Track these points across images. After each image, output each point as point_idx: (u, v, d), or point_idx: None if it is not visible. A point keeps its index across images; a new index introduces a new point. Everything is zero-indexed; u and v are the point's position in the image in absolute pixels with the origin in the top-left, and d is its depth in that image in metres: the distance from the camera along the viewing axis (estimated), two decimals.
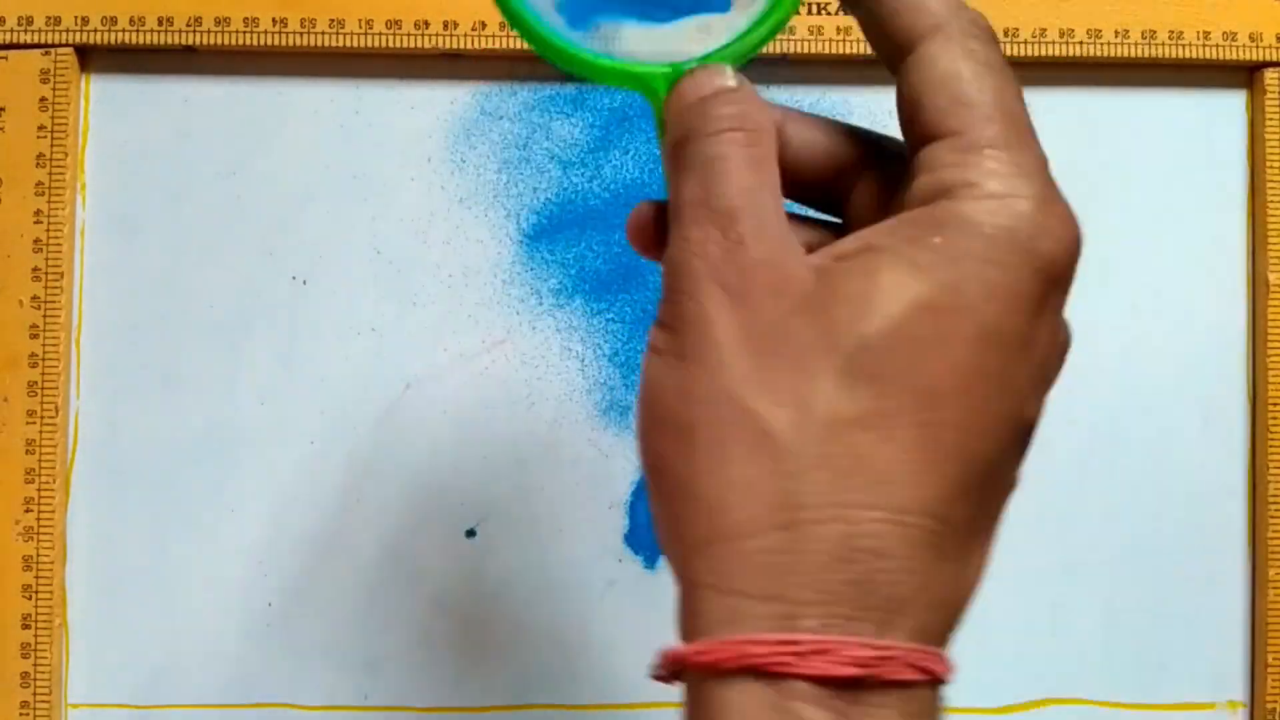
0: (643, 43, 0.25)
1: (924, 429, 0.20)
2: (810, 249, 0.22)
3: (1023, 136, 0.22)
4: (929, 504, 0.20)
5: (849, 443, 0.20)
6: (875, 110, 0.42)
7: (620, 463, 0.41)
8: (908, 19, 0.22)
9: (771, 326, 0.21)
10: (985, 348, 0.21)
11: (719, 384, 0.21)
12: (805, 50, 0.41)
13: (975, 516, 0.22)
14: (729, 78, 0.23)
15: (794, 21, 0.41)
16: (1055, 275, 0.21)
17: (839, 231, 0.24)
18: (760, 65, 0.41)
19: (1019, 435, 0.22)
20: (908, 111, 0.22)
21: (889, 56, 0.23)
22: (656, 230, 0.24)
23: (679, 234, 0.22)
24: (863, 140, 0.25)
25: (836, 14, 0.41)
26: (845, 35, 0.41)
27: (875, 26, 0.23)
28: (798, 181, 0.24)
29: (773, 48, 0.41)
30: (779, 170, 0.22)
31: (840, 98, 0.42)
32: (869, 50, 0.40)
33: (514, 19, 0.24)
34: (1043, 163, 0.22)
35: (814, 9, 0.41)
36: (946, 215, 0.21)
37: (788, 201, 0.23)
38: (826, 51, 0.41)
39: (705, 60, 0.24)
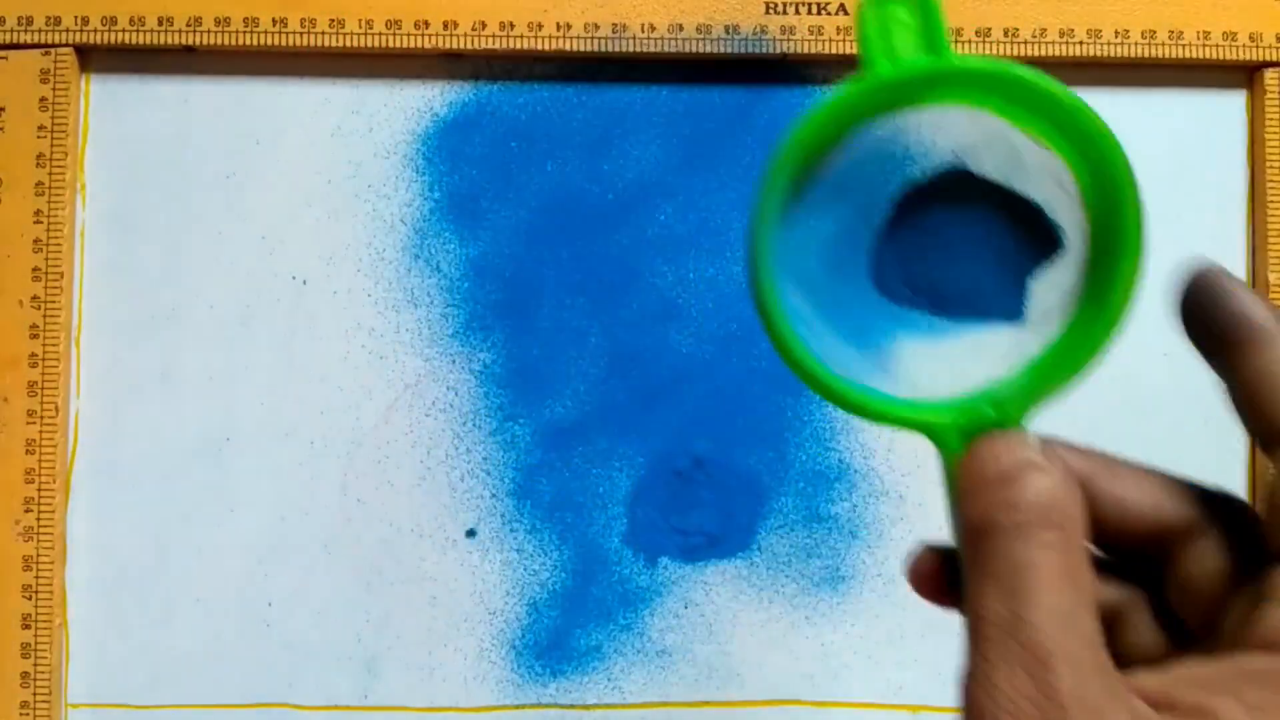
0: (924, 363, 0.22)
1: None
2: (1109, 614, 0.19)
3: None
4: None
5: None
6: None
7: (621, 462, 0.41)
8: (1240, 327, 0.21)
9: None
10: None
11: None
12: (805, 50, 0.41)
13: None
14: (1034, 449, 0.20)
15: (794, 21, 0.41)
16: None
17: (1150, 594, 0.21)
18: (760, 66, 0.42)
19: None
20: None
21: (1262, 436, 0.21)
22: (943, 580, 0.22)
23: (983, 666, 0.19)
24: (1194, 498, 0.21)
25: (836, 14, 0.41)
26: (845, 35, 0.41)
27: (1239, 403, 0.21)
28: (1106, 543, 0.21)
29: (772, 49, 0.41)
30: (1090, 544, 0.20)
31: None
32: None
33: (791, 360, 0.22)
34: None
35: (814, 9, 0.41)
36: None
37: None
38: (826, 51, 0.41)
39: (997, 396, 0.21)
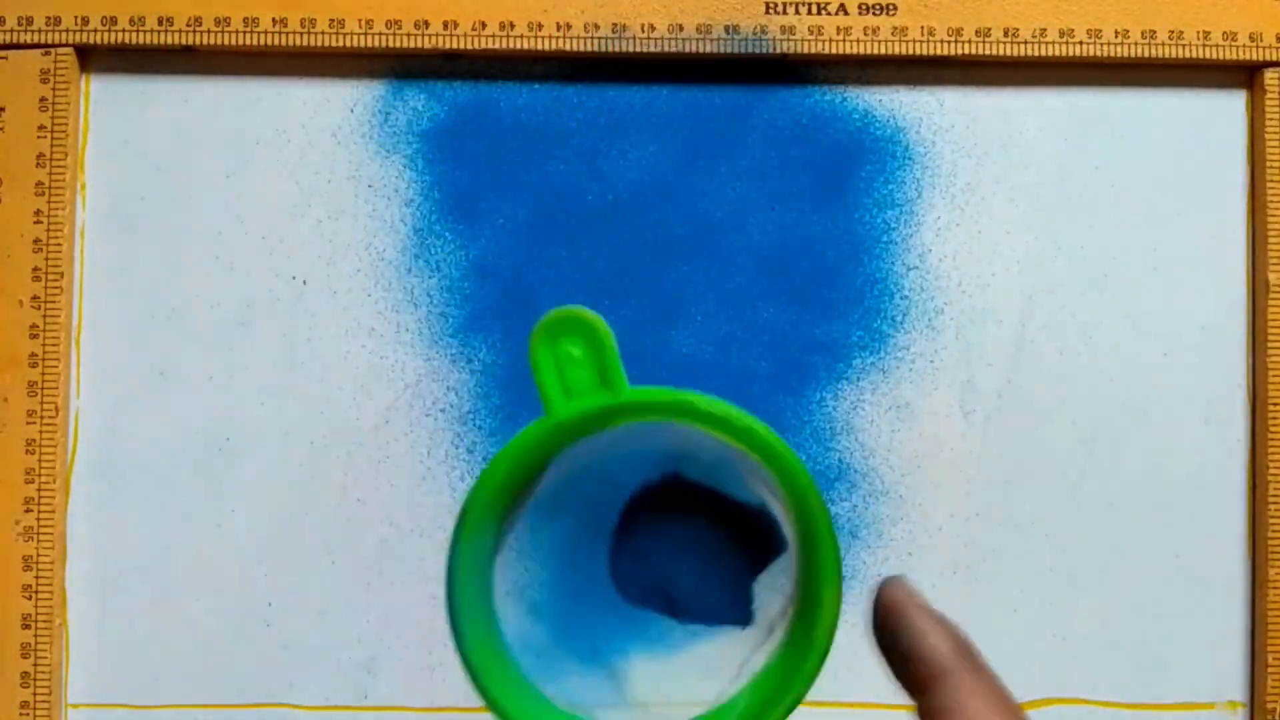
0: (652, 682, 0.23)
1: None
2: None
3: None
4: None
5: None
6: (873, 107, 0.42)
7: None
8: (917, 668, 0.23)
9: None
10: None
11: None
12: (805, 50, 0.41)
13: None
14: None
15: (794, 21, 0.41)
16: None
17: None
18: (760, 66, 0.42)
19: None
20: None
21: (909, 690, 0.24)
22: None
23: None
24: None
25: (836, 14, 0.41)
26: (845, 35, 0.41)
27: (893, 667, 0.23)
28: None
29: (772, 49, 0.41)
30: None
31: (840, 97, 0.42)
32: (867, 50, 0.40)
33: (489, 699, 0.22)
34: None
35: (814, 9, 0.41)
36: None
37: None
38: (826, 51, 0.41)
39: (731, 713, 0.21)
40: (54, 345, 0.40)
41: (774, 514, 0.22)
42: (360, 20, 0.40)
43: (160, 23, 0.40)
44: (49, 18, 0.40)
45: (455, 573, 0.22)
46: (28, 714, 0.39)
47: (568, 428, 0.22)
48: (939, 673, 0.22)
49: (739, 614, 0.23)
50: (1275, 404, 0.41)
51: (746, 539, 0.23)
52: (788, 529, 0.22)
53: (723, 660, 0.22)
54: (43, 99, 0.40)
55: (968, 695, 0.22)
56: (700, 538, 0.23)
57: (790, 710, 0.21)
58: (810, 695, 0.42)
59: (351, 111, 0.42)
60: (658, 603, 0.23)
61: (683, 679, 0.22)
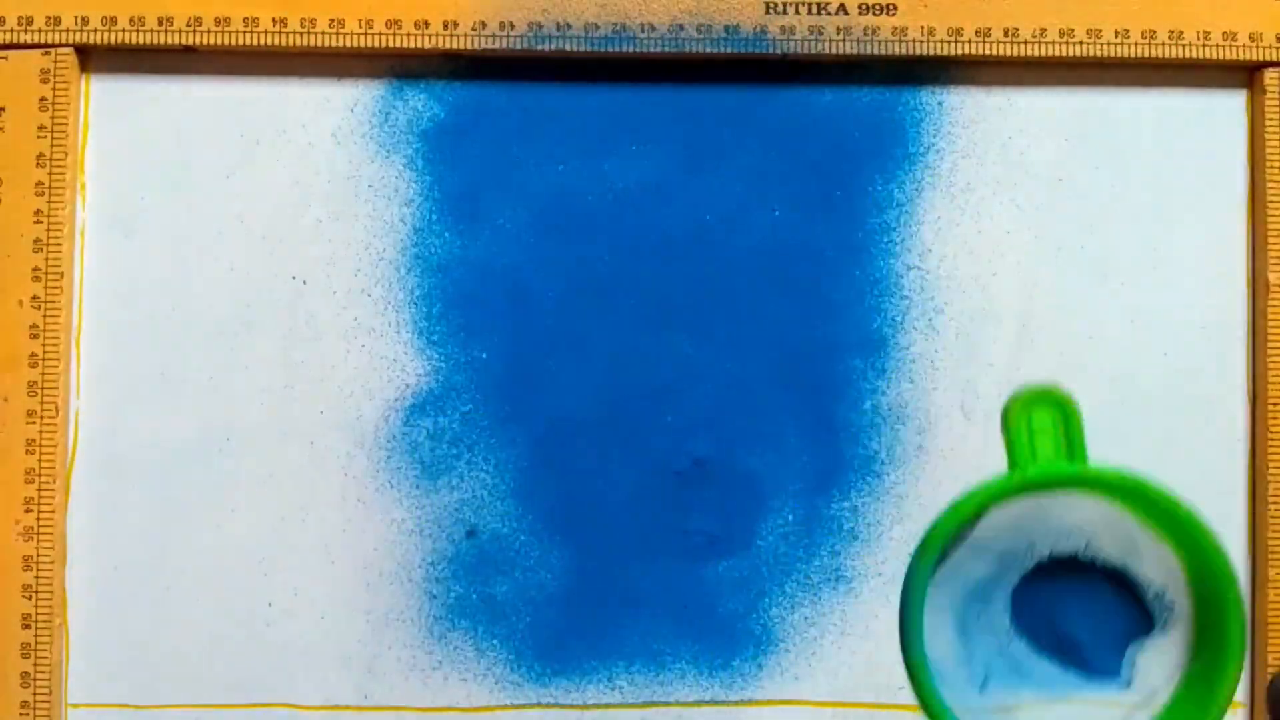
0: (1039, 717, 0.25)
1: None
2: None
3: None
4: None
5: None
6: (873, 107, 0.42)
7: (621, 462, 0.41)
8: None
9: None
10: None
11: None
12: (805, 50, 0.41)
13: None
14: None
15: (794, 21, 0.41)
16: None
17: None
18: (761, 66, 0.42)
19: None
20: None
21: None
22: None
23: None
24: None
25: (836, 14, 0.41)
26: (845, 35, 0.41)
27: None
28: None
29: (772, 49, 0.41)
30: None
31: (840, 97, 0.42)
32: (868, 50, 0.40)
33: (923, 696, 0.24)
34: None
35: (814, 9, 0.41)
36: None
37: None
38: (826, 52, 0.41)
39: None
40: (54, 345, 0.40)
41: (1165, 600, 0.25)
42: (360, 20, 0.40)
43: (160, 23, 0.40)
44: (49, 18, 0.40)
45: (912, 595, 0.25)
46: (28, 714, 0.39)
47: (1029, 485, 0.25)
48: None
49: (1121, 677, 0.25)
50: (1275, 404, 0.41)
51: (1135, 612, 0.26)
52: (1180, 613, 0.25)
53: (1105, 713, 0.25)
54: (43, 99, 0.40)
55: None
56: (1093, 604, 0.26)
57: None
58: (810, 695, 0.42)
59: (351, 111, 0.42)
60: (1053, 647, 0.26)
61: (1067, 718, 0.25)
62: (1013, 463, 0.25)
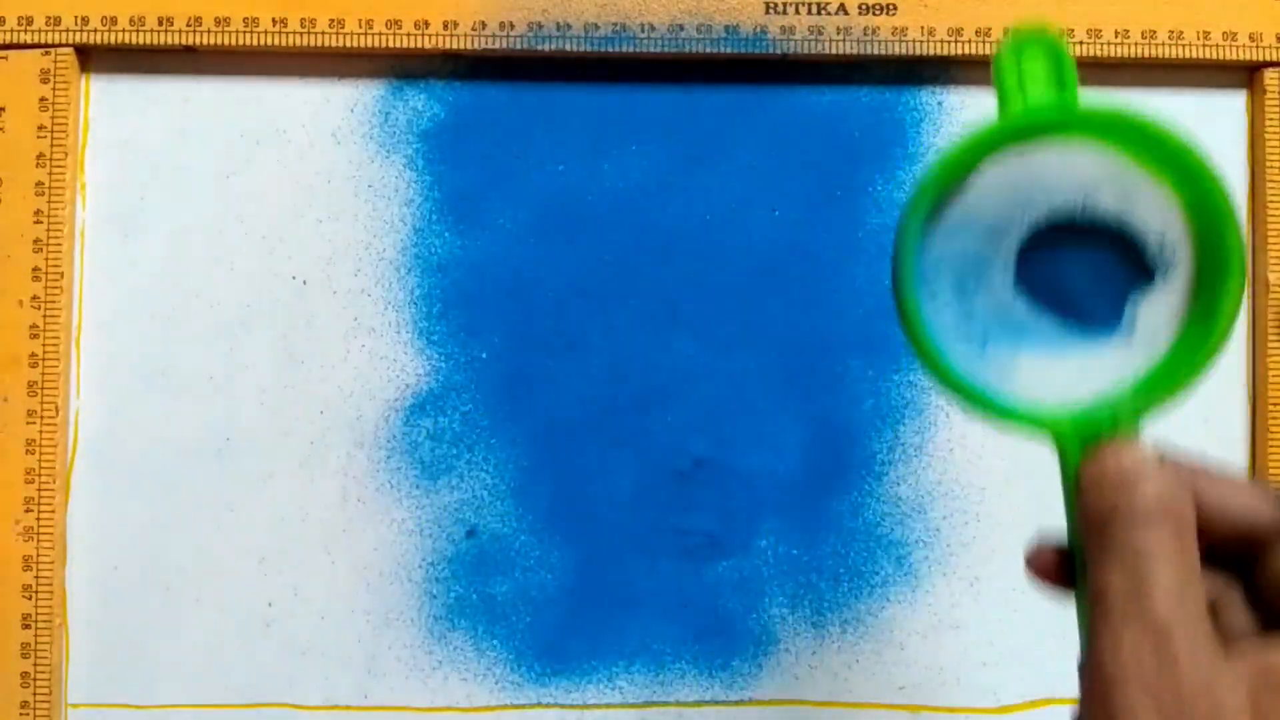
0: (1039, 375, 0.25)
1: None
2: (1209, 600, 0.23)
3: None
4: None
5: None
6: (873, 107, 0.42)
7: (621, 462, 0.41)
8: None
9: None
10: None
11: None
12: (805, 50, 0.41)
13: None
14: (1149, 455, 0.23)
15: (794, 21, 0.41)
16: None
17: (1244, 584, 0.24)
18: (761, 66, 0.42)
19: None
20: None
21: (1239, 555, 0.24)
22: (1060, 573, 0.25)
23: (1109, 637, 0.22)
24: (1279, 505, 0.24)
25: (836, 14, 0.41)
26: (845, 35, 0.41)
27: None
28: (1207, 540, 0.24)
29: (772, 49, 0.41)
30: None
31: (840, 97, 0.42)
32: (867, 50, 0.40)
33: (922, 351, 0.24)
34: None
35: (814, 9, 0.41)
36: None
37: None
38: (826, 52, 0.41)
39: (1113, 406, 0.24)
40: (54, 345, 0.40)
41: (1165, 244, 0.25)
42: (360, 20, 0.40)
43: (160, 23, 0.40)
44: (49, 18, 0.40)
45: (903, 251, 0.24)
46: (28, 714, 0.39)
47: (1022, 128, 0.24)
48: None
49: (1122, 327, 0.25)
50: (1275, 404, 0.41)
51: (1135, 262, 0.25)
52: (1179, 256, 0.24)
53: (1103, 364, 0.25)
54: (43, 99, 0.40)
55: None
56: (1093, 259, 0.25)
57: (1178, 393, 0.24)
58: (811, 695, 0.42)
59: (351, 111, 0.42)
60: (1047, 313, 0.25)
61: (1065, 375, 0.25)
62: (1002, 105, 0.24)
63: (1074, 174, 0.25)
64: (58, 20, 0.40)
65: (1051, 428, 0.24)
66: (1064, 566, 0.25)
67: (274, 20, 0.40)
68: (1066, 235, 0.25)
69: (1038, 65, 0.24)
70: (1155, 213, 0.25)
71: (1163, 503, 0.23)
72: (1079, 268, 0.25)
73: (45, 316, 0.40)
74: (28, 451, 0.40)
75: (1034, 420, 0.24)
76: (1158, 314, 0.25)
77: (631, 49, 0.41)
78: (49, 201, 0.40)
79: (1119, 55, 0.41)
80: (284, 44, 0.40)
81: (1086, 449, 0.24)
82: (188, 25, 0.40)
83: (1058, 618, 0.41)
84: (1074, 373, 0.25)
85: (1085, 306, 0.25)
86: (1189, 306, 0.24)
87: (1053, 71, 0.24)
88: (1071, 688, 0.42)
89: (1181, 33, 0.41)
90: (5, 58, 0.40)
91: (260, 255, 0.41)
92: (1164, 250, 0.25)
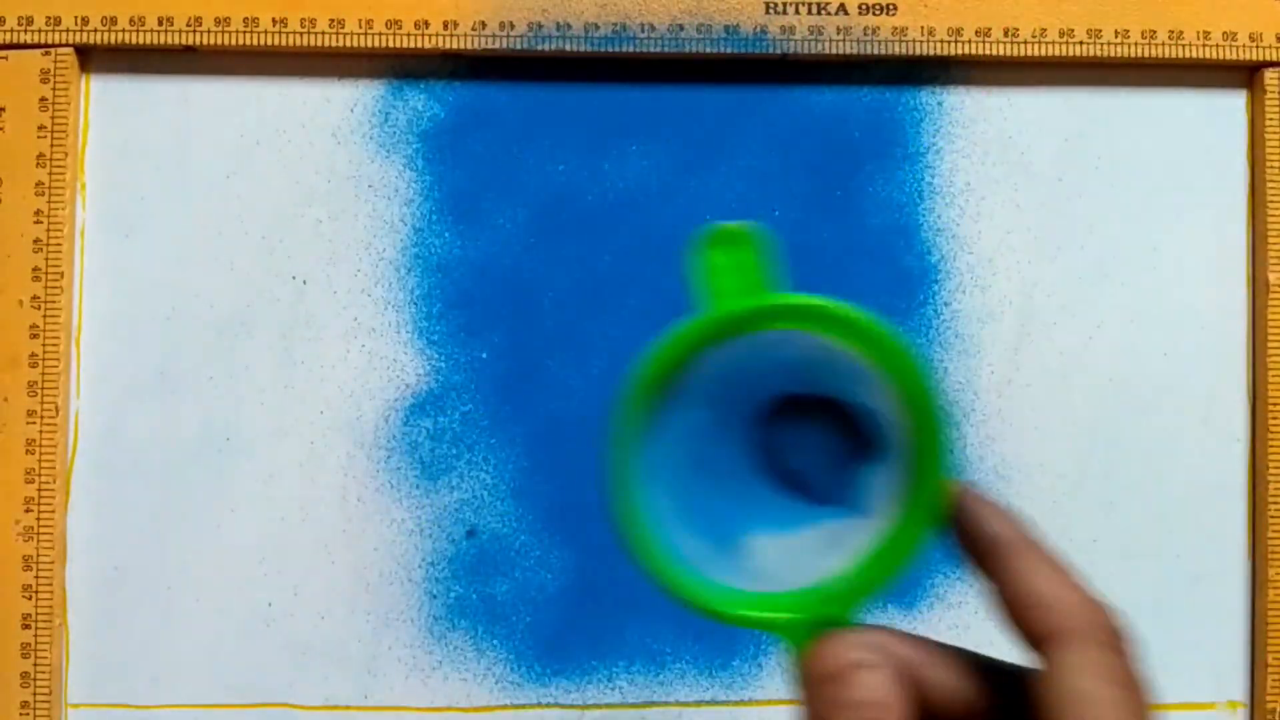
0: (778, 556, 0.25)
1: None
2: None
3: None
4: None
5: None
6: (873, 107, 0.42)
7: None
8: (1041, 616, 0.23)
9: None
10: None
11: None
12: (805, 50, 0.41)
13: None
14: (864, 646, 0.23)
15: (794, 21, 0.41)
16: None
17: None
18: (761, 66, 0.42)
19: None
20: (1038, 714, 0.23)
21: (1021, 642, 0.24)
22: None
23: None
24: (1005, 679, 0.25)
25: (836, 14, 0.41)
26: (845, 35, 0.41)
27: (1005, 610, 0.24)
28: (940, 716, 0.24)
29: (772, 49, 0.41)
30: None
31: (840, 97, 0.42)
32: (867, 50, 0.40)
33: (645, 557, 0.24)
34: None
35: (814, 9, 0.41)
36: None
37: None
38: (826, 52, 0.41)
39: (833, 591, 0.24)
40: (54, 345, 0.40)
41: (884, 421, 0.24)
42: (360, 20, 0.40)
43: (160, 23, 0.40)
44: (49, 18, 0.40)
45: (620, 442, 0.24)
46: (28, 714, 0.39)
47: (721, 323, 0.24)
48: (1015, 549, 0.23)
49: (856, 503, 0.25)
50: (1275, 404, 0.41)
51: (862, 437, 0.25)
52: (897, 432, 0.24)
53: (840, 541, 0.24)
54: (43, 99, 0.40)
55: (1099, 679, 0.22)
56: (821, 435, 0.25)
57: (889, 577, 0.24)
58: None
59: (351, 111, 0.42)
60: (787, 483, 0.25)
61: (801, 555, 0.24)
62: (700, 302, 0.24)
63: (793, 354, 0.25)
64: (58, 20, 0.40)
65: (775, 624, 0.24)
66: None
67: (274, 20, 0.40)
68: (797, 412, 0.25)
69: (724, 258, 0.24)
70: (873, 390, 0.24)
71: (872, 705, 0.22)
72: (810, 443, 0.25)
73: (45, 316, 0.40)
74: (28, 451, 0.40)
75: (758, 618, 0.24)
76: (883, 490, 0.24)
77: (631, 49, 0.41)
78: (49, 201, 0.40)
79: (1119, 55, 0.41)
80: (284, 44, 0.40)
81: (807, 641, 0.23)
82: (188, 25, 0.40)
83: None
84: (813, 553, 0.24)
85: (818, 482, 0.25)
86: (909, 482, 0.24)
87: (743, 263, 0.24)
88: None
89: (1181, 33, 0.41)
90: (5, 58, 0.40)
91: (260, 255, 0.41)
92: (882, 427, 0.24)
